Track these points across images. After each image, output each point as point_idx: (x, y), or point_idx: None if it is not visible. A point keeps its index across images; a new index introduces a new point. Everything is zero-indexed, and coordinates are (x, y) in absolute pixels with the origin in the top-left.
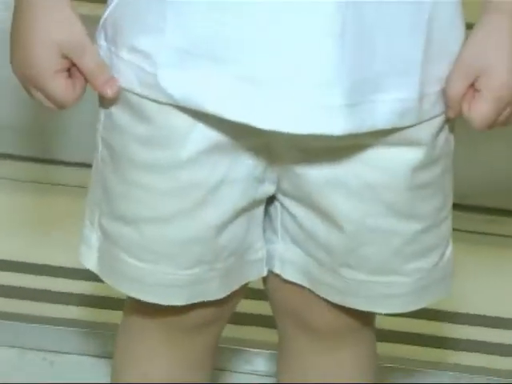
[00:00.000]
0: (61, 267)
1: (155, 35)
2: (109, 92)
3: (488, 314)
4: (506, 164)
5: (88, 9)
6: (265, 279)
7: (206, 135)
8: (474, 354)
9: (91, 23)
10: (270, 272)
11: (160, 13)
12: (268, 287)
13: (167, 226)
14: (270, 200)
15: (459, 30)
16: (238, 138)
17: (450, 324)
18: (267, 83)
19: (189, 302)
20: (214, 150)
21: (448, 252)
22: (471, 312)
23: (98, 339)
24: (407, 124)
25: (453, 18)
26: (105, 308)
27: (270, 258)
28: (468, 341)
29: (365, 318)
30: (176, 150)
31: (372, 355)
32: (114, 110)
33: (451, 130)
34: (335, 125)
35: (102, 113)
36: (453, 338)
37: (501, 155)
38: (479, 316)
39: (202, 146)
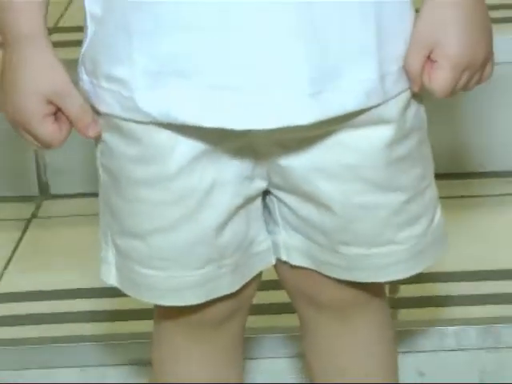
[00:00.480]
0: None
1: (127, 63)
2: (90, 134)
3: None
4: None
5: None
6: (276, 267)
7: (189, 146)
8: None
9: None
10: (279, 260)
11: (127, 42)
12: (280, 274)
13: (170, 233)
14: (267, 194)
15: (409, 8)
16: (221, 143)
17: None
18: (235, 87)
19: (205, 300)
20: (200, 157)
21: (437, 217)
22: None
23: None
24: (373, 104)
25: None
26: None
27: (276, 247)
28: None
29: (372, 289)
30: (165, 163)
31: (385, 323)
32: (107, 136)
33: (420, 103)
34: (303, 115)
35: (98, 141)
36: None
37: None
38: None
39: (188, 156)
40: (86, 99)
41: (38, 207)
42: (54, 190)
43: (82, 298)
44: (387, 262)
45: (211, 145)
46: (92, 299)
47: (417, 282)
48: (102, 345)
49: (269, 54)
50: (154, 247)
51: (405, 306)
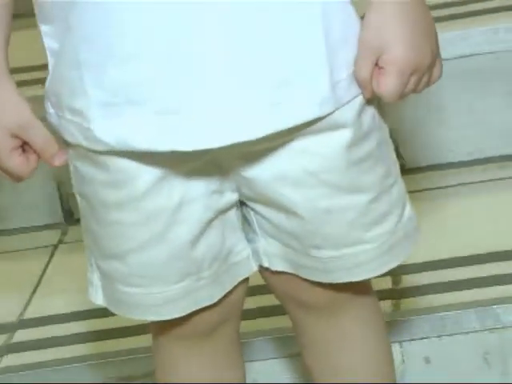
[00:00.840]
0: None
1: (82, 95)
2: (57, 163)
3: None
4: None
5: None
6: (261, 273)
7: (153, 168)
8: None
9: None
10: (261, 267)
11: (79, 77)
12: (266, 279)
13: (145, 251)
14: (243, 205)
15: (354, 16)
16: (185, 162)
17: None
18: (184, 111)
19: (187, 312)
20: (165, 177)
21: (407, 212)
22: None
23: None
24: (326, 113)
25: (345, 6)
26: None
27: (257, 254)
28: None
29: (354, 287)
30: (132, 187)
31: (372, 319)
32: (78, 164)
33: (376, 105)
34: (253, 130)
35: (72, 169)
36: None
37: None
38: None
39: (153, 177)
40: (55, 131)
41: (63, 233)
42: (78, 216)
43: (108, 316)
44: (359, 261)
45: (175, 165)
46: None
47: (416, 272)
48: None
49: (216, 76)
50: (133, 266)
51: (407, 295)
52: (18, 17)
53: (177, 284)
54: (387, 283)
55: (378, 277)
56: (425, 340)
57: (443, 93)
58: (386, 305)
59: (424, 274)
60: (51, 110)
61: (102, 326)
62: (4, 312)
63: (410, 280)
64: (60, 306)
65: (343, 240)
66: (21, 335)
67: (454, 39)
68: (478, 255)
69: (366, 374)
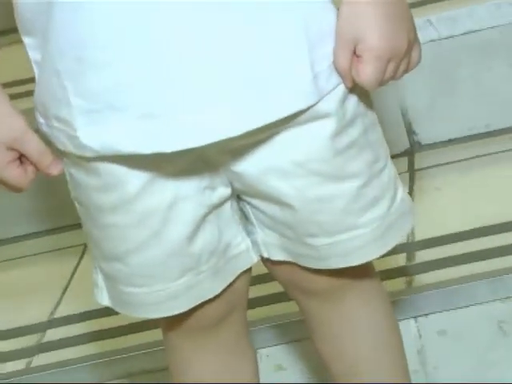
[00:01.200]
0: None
1: (65, 104)
2: (54, 172)
3: None
4: None
5: None
6: (264, 263)
7: (141, 171)
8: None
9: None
10: (262, 257)
11: (61, 86)
12: (269, 269)
13: (143, 251)
14: (239, 199)
15: (331, 6)
16: (173, 161)
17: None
18: (164, 113)
19: (190, 307)
20: (154, 179)
21: (399, 194)
22: None
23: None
24: (308, 105)
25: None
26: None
27: (256, 245)
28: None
29: (354, 272)
30: (123, 189)
31: (375, 302)
32: (72, 171)
33: (360, 92)
34: (237, 126)
35: (67, 176)
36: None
37: None
38: None
39: (142, 180)
40: (48, 141)
41: None
42: None
43: None
44: (355, 246)
45: (163, 165)
46: None
47: (430, 247)
48: None
49: (194, 76)
50: (132, 266)
51: (419, 271)
52: (11, 31)
53: (178, 280)
54: (399, 261)
55: (390, 255)
56: (439, 313)
57: (454, 68)
58: (400, 282)
59: (437, 248)
60: (41, 120)
61: (131, 320)
62: (35, 312)
63: (422, 256)
64: (91, 304)
65: (337, 227)
66: (51, 334)
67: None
68: (490, 226)
69: (373, 357)
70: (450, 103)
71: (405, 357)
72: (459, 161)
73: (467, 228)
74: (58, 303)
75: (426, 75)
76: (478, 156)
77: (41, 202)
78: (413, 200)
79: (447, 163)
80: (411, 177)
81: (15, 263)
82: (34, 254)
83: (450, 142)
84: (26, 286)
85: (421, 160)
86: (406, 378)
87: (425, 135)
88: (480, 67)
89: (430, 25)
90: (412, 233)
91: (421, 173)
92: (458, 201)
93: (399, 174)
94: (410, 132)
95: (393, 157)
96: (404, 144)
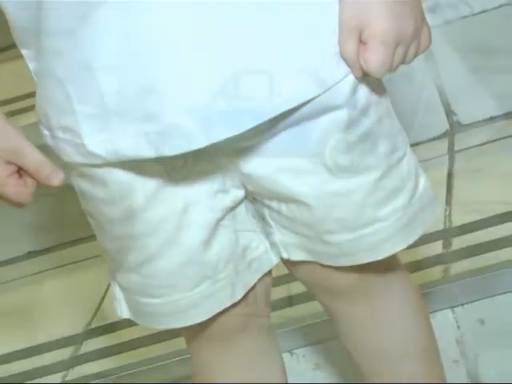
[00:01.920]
0: None
1: (69, 112)
2: (55, 182)
3: None
4: None
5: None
6: (285, 264)
7: (149, 177)
8: None
9: None
10: (281, 258)
11: (65, 94)
12: (290, 270)
13: (158, 261)
14: (254, 201)
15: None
16: (183, 165)
17: None
18: (165, 115)
19: (210, 315)
20: (163, 185)
21: (421, 183)
22: None
23: None
24: (314, 95)
25: None
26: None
27: (275, 247)
28: None
29: (380, 266)
30: (133, 198)
31: (406, 292)
32: (79, 182)
33: (371, 80)
34: (237, 125)
35: (76, 189)
36: None
37: None
38: None
39: (152, 185)
40: (52, 152)
41: None
42: None
43: None
44: (378, 240)
45: (172, 171)
46: None
47: (466, 233)
48: None
49: (193, 76)
50: (148, 277)
51: (455, 259)
52: (15, 46)
53: (193, 290)
54: (436, 248)
55: (426, 243)
56: (477, 302)
57: (490, 44)
58: (437, 271)
59: (475, 233)
60: (45, 132)
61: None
62: (72, 322)
63: (459, 242)
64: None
65: (356, 222)
66: (88, 345)
67: None
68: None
69: (406, 353)
70: (488, 80)
71: (437, 350)
72: (500, 139)
73: (507, 210)
74: (96, 312)
75: (462, 54)
76: None
77: (78, 208)
78: (452, 183)
79: (488, 142)
80: (451, 159)
81: (48, 274)
82: (70, 264)
83: (492, 119)
84: (62, 296)
85: (461, 141)
86: (440, 373)
87: (464, 115)
88: None
89: (461, 2)
90: (449, 218)
91: (461, 154)
92: (498, 183)
93: (439, 157)
94: (450, 113)
95: (432, 139)
96: (443, 125)
